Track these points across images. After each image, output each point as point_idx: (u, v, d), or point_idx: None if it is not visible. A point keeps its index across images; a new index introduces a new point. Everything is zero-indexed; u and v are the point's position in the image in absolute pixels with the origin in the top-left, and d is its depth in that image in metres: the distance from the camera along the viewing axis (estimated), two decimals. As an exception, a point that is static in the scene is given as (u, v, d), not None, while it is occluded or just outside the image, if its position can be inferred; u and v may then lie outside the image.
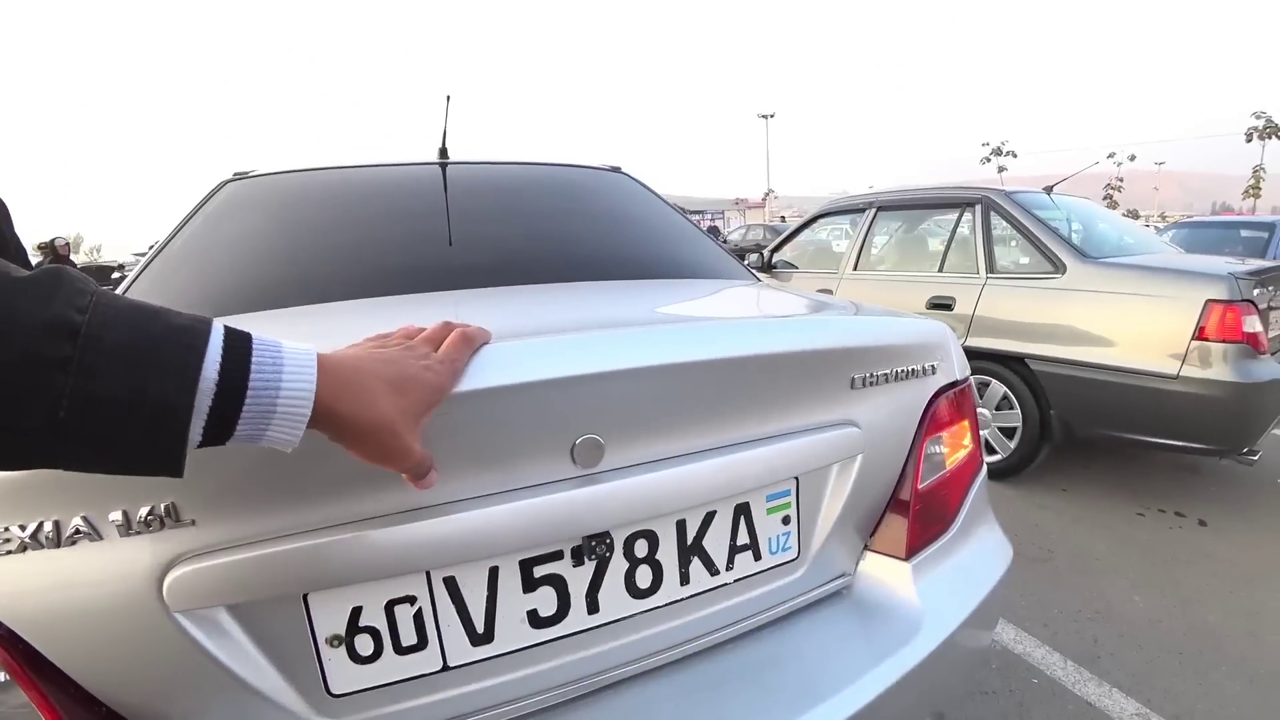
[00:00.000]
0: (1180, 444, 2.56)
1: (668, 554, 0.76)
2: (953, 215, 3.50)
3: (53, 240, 8.61)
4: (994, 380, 3.07)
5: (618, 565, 0.72)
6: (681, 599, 0.77)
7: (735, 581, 0.81)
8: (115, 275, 13.47)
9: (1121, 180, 20.82)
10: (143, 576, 0.54)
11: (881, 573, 0.94)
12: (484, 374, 0.60)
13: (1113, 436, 2.74)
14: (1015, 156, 20.54)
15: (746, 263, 2.06)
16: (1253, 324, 2.40)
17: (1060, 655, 1.86)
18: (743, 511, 0.80)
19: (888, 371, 0.89)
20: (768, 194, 40.10)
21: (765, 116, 38.29)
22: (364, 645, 0.62)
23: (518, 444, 0.65)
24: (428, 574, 0.64)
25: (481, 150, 1.68)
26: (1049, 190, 3.55)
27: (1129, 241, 3.46)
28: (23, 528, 0.51)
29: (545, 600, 0.69)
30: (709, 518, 0.78)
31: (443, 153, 1.47)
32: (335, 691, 0.62)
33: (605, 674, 0.74)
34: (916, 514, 0.95)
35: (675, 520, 0.76)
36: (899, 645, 0.84)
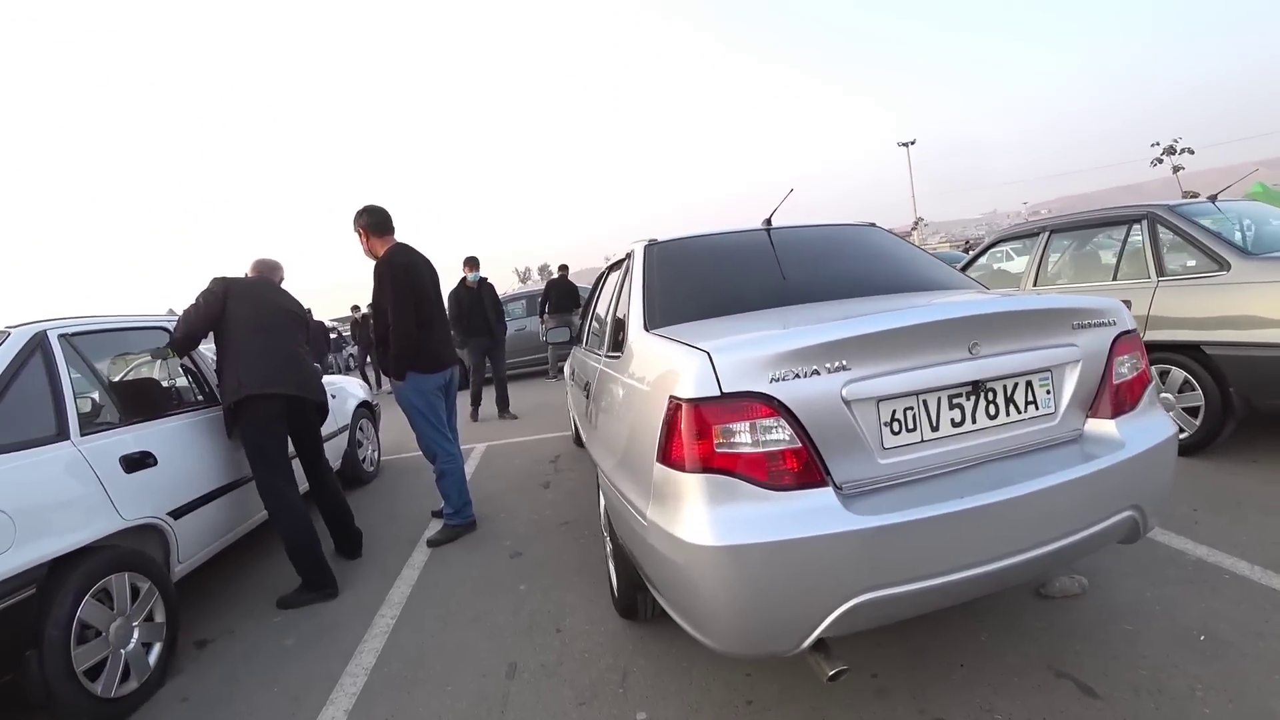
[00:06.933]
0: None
1: (1001, 399, 1.75)
2: (1121, 230, 4.14)
3: None
4: (1174, 368, 3.66)
5: (982, 401, 1.73)
6: (1005, 422, 1.76)
7: (1028, 418, 1.78)
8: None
9: None
10: (838, 386, 1.60)
11: (1096, 428, 1.85)
12: (926, 316, 1.66)
13: (1291, 404, 3.25)
14: (1192, 153, 18.52)
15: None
16: None
17: (1237, 558, 2.51)
18: (1029, 382, 1.78)
19: (1088, 321, 1.84)
20: (917, 221, 39.09)
21: (905, 144, 37.64)
22: (895, 427, 1.66)
23: (948, 343, 1.67)
24: (917, 395, 1.67)
25: (783, 218, 2.83)
26: (1214, 199, 4.10)
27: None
28: (815, 370, 1.59)
29: (956, 414, 1.71)
30: (1016, 383, 1.77)
31: (768, 221, 2.63)
32: (886, 445, 1.66)
33: (980, 451, 1.73)
34: (1113, 398, 1.85)
35: (1003, 383, 1.75)
36: (1111, 454, 1.74)
